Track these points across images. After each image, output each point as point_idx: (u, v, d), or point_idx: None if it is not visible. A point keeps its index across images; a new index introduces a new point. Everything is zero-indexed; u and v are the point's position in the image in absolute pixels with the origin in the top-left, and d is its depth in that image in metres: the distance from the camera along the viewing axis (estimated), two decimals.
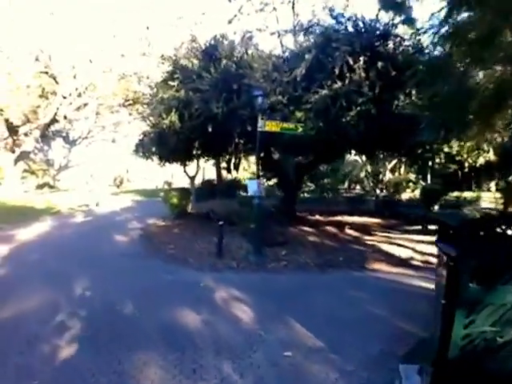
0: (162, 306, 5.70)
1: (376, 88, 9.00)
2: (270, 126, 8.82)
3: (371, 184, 22.80)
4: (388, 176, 22.80)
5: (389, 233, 11.89)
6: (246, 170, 32.24)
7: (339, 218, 14.81)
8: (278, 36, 16.58)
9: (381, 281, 7.46)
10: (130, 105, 23.15)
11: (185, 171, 50.18)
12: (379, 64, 9.00)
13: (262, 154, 10.08)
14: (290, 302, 5.99)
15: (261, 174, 9.07)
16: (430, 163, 22.12)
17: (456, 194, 18.55)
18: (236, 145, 10.71)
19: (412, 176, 25.10)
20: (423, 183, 20.10)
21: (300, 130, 9.03)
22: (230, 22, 16.46)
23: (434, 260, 9.19)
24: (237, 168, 26.85)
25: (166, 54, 11.50)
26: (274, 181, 18.87)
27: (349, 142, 9.86)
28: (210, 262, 8.43)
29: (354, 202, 17.73)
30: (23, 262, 8.42)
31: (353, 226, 12.82)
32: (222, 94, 9.80)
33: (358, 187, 28.92)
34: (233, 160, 19.84)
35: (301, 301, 6.11)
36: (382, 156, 18.83)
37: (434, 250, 9.65)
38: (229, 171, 24.41)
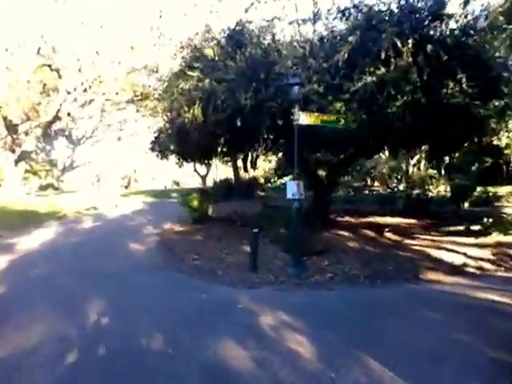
0: (199, 338, 4.74)
1: (424, 74, 7.96)
2: (309, 118, 7.83)
3: (395, 181, 21.68)
4: (411, 172, 21.71)
5: (430, 235, 10.85)
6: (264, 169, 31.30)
7: (371, 219, 13.77)
8: (298, 25, 15.52)
9: (444, 295, 6.55)
10: (139, 100, 22.05)
11: (195, 170, 49.48)
12: (428, 47, 7.94)
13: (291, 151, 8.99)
14: (353, 329, 5.05)
15: (295, 173, 7.99)
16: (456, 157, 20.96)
17: (491, 189, 17.38)
18: (264, 140, 9.68)
19: (432, 172, 23.98)
20: (453, 179, 18.93)
21: (342, 122, 8.02)
22: (246, 10, 15.39)
23: (490, 266, 8.30)
24: (254, 166, 25.92)
25: (185, 42, 10.46)
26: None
27: (394, 136, 8.80)
28: (243, 276, 7.46)
29: (382, 201, 16.61)
30: (24, 278, 7.48)
31: (390, 228, 11.77)
32: (250, 84, 8.78)
33: (375, 184, 27.78)
34: (249, 158, 18.92)
35: (365, 327, 5.15)
36: (405, 151, 17.66)
37: (486, 254, 8.80)
38: (246, 170, 23.48)
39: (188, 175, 54.09)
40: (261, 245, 9.27)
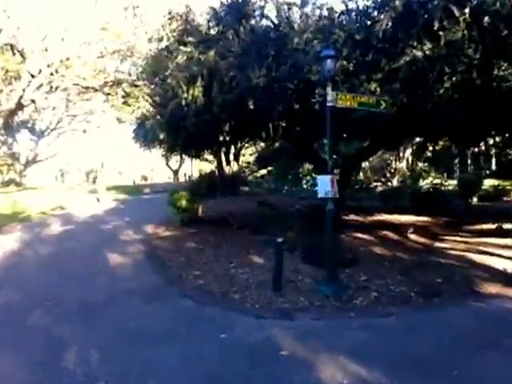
0: None
1: (478, 52, 6.55)
2: (344, 99, 6.30)
3: (388, 175, 20.54)
4: (404, 165, 20.65)
5: (459, 236, 9.58)
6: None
7: (379, 217, 12.46)
8: None
9: None
10: (111, 86, 19.77)
11: (167, 164, 47.15)
12: (485, 20, 6.49)
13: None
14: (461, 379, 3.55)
15: (329, 166, 6.41)
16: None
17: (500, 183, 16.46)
18: (274, 128, 8.04)
19: (421, 165, 23.04)
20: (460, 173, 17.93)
21: (383, 106, 6.51)
22: None
23: None
24: (237, 159, 24.21)
25: (174, 11, 8.66)
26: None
27: (440, 123, 7.37)
28: (267, 299, 5.86)
29: (386, 197, 15.29)
30: None
31: (412, 229, 10.42)
32: (260, 60, 7.16)
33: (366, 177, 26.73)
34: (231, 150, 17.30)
35: (472, 372, 3.67)
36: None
37: None
38: (228, 163, 21.76)
39: (157, 170, 51.81)
40: (269, 253, 7.83)
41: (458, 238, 9.29)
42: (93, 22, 18.16)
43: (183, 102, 7.14)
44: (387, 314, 5.32)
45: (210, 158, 39.32)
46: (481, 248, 8.35)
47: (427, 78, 6.33)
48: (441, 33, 6.43)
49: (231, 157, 21.45)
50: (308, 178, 24.19)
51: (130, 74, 16.44)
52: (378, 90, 6.86)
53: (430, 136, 9.87)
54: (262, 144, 20.55)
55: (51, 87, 19.84)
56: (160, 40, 10.39)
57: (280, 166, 25.01)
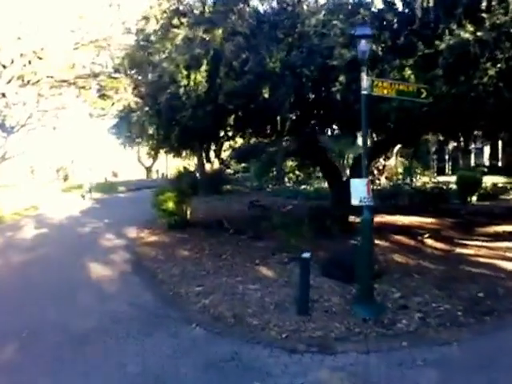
0: None
1: None
2: (381, 87, 5.25)
3: (376, 172, 19.69)
4: (391, 163, 19.88)
5: (475, 240, 8.68)
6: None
7: (380, 218, 11.39)
8: None
9: None
10: (87, 78, 17.94)
11: (139, 160, 45.11)
12: None
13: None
14: None
15: (363, 166, 5.31)
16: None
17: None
18: (283, 121, 6.86)
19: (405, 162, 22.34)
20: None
21: (424, 95, 5.46)
22: None
23: None
24: (219, 155, 22.84)
25: None
26: None
27: (483, 115, 6.38)
28: (294, 326, 4.70)
29: (384, 196, 14.31)
30: None
31: (427, 233, 9.49)
32: (271, 43, 6.00)
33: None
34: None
35: None
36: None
37: None
38: (208, 160, 20.42)
39: (128, 166, 49.52)
40: (282, 265, 6.73)
41: (476, 243, 8.38)
42: (70, 9, 16.43)
43: (181, 91, 5.86)
44: (445, 342, 4.26)
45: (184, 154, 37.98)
46: (507, 254, 7.47)
47: (473, 64, 5.30)
48: (484, 15, 5.43)
49: (211, 153, 20.06)
50: (291, 175, 23.17)
51: (106, 66, 14.77)
52: (412, 77, 5.76)
53: (455, 130, 8.86)
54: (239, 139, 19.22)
55: (23, 80, 17.90)
56: (147, 23, 9.00)
57: (261, 163, 23.84)
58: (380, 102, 5.92)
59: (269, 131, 7.26)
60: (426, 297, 5.50)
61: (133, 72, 9.60)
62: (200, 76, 5.66)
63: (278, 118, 6.92)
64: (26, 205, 16.64)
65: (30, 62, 16.37)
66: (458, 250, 7.95)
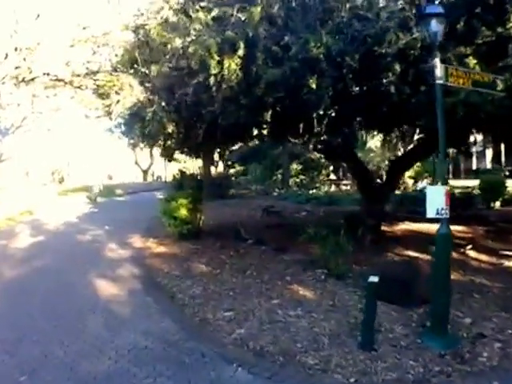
0: None
1: None
2: (456, 76, 4.32)
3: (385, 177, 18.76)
4: None
5: None
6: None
7: (404, 225, 10.54)
8: None
9: None
10: (84, 77, 16.75)
11: (136, 163, 43.85)
12: None
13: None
14: None
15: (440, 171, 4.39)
16: None
17: None
18: (319, 119, 5.85)
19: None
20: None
21: (501, 87, 4.53)
22: None
23: None
24: (223, 158, 21.80)
25: None
26: None
27: None
28: (361, 365, 3.73)
29: (405, 202, 13.35)
30: None
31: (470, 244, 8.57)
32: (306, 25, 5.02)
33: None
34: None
35: None
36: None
37: None
38: (213, 163, 19.36)
39: (123, 168, 48.18)
40: (320, 283, 5.73)
41: None
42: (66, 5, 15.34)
43: (211, 80, 4.83)
44: None
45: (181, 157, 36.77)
46: None
47: None
48: None
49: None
50: (296, 179, 22.19)
51: (105, 64, 13.70)
52: (477, 68, 4.80)
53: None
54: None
55: (17, 78, 16.69)
56: (158, 12, 7.98)
57: (264, 166, 22.85)
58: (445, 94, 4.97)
59: (301, 130, 6.26)
60: (495, 321, 4.61)
61: (138, 67, 8.60)
62: (234, 63, 4.64)
63: (315, 114, 5.94)
64: (20, 209, 15.43)
65: (24, 59, 15.19)
66: (506, 262, 7.03)
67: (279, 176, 22.80)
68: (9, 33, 14.49)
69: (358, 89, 5.61)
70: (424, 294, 5.42)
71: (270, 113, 5.45)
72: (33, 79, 17.24)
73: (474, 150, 27.71)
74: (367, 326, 4.01)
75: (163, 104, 6.17)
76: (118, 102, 9.82)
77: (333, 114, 6.00)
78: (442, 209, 4.05)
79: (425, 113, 5.50)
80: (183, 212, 8.69)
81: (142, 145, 9.24)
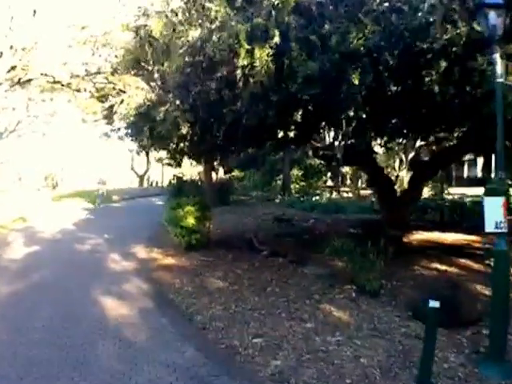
0: None
1: None
2: None
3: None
4: (402, 174, 18.48)
5: None
6: None
7: (419, 235, 9.98)
8: None
9: None
10: (82, 79, 16.00)
11: (132, 168, 42.94)
12: None
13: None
14: None
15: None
16: None
17: None
18: (348, 120, 5.26)
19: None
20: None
21: None
22: None
23: None
24: (223, 163, 21.07)
25: None
26: None
27: None
28: None
29: (418, 211, 12.76)
30: None
31: (470, 250, 8.09)
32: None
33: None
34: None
35: None
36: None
37: None
38: (213, 168, 18.69)
39: (118, 174, 47.08)
40: (352, 302, 5.12)
41: None
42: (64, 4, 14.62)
43: (238, 73, 4.20)
44: None
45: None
46: None
47: None
48: None
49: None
50: (296, 185, 21.58)
51: (105, 66, 13.08)
52: None
53: None
54: None
55: (12, 79, 15.91)
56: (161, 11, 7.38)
57: (264, 172, 22.20)
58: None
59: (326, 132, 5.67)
60: None
61: (145, 66, 7.97)
62: (265, 53, 4.01)
63: (344, 115, 5.35)
64: (12, 215, 14.56)
65: (20, 60, 14.43)
66: None
67: (279, 182, 22.20)
68: (3, 31, 13.73)
69: (395, 88, 5.02)
70: (469, 315, 4.86)
71: (300, 112, 4.82)
72: (29, 81, 16.48)
73: (466, 158, 27.42)
74: (427, 359, 3.39)
75: (177, 102, 5.52)
76: (121, 102, 9.13)
77: (363, 115, 5.40)
78: (501, 222, 3.48)
79: (470, 114, 4.95)
80: (190, 220, 8.02)
81: (150, 148, 8.53)
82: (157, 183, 42.39)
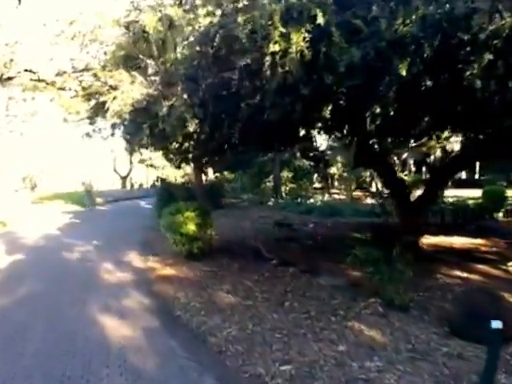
0: None
1: None
2: None
3: (379, 185, 17.92)
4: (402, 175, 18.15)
5: None
6: None
7: (426, 239, 9.52)
8: None
9: None
10: (69, 76, 15.11)
11: (115, 170, 41.72)
12: None
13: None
14: None
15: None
16: None
17: None
18: (373, 117, 4.74)
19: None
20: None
21: None
22: None
23: None
24: (213, 165, 20.39)
25: None
26: None
27: None
28: None
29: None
30: None
31: (481, 255, 7.73)
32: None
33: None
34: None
35: None
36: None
37: None
38: (202, 170, 18.01)
39: (100, 175, 45.64)
40: (381, 318, 4.60)
41: None
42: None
43: (267, 61, 3.61)
44: None
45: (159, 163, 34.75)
46: None
47: None
48: None
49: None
50: (286, 188, 21.06)
51: (98, 59, 12.23)
52: None
53: None
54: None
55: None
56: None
57: (253, 174, 21.61)
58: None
59: (346, 131, 5.12)
60: None
61: (144, 59, 7.31)
62: (301, 39, 3.44)
63: (369, 112, 4.82)
64: None
65: (3, 55, 13.44)
66: None
67: (268, 184, 21.65)
68: None
69: (430, 82, 4.52)
70: (510, 329, 4.41)
71: (330, 107, 4.26)
72: (11, 78, 15.47)
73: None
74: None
75: (185, 96, 4.89)
76: (114, 98, 8.44)
77: (391, 112, 4.89)
78: None
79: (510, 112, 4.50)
80: (191, 227, 7.37)
81: (149, 147, 7.82)
82: (141, 185, 41.25)
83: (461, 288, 5.66)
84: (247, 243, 8.47)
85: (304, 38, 3.46)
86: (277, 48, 3.49)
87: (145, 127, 5.76)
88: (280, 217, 12.23)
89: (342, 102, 4.52)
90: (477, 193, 15.18)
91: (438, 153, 19.85)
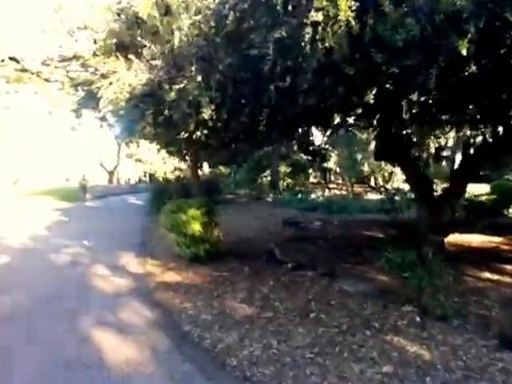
0: None
1: None
2: None
3: (380, 179, 17.43)
4: (397, 170, 17.71)
5: None
6: None
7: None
8: None
9: None
10: (56, 67, 14.30)
11: (101, 164, 40.68)
12: None
13: None
14: None
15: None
16: None
17: None
18: (410, 105, 4.19)
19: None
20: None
21: None
22: None
23: None
24: (209, 159, 19.65)
25: None
26: None
27: None
28: None
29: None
30: None
31: (505, 254, 7.29)
32: None
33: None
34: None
35: None
36: None
37: None
38: (197, 165, 17.26)
39: (84, 170, 44.46)
40: (420, 330, 4.07)
41: None
42: None
43: (307, 34, 3.00)
44: None
45: (148, 157, 33.82)
46: None
47: None
48: None
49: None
50: (283, 182, 20.47)
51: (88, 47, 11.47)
52: None
53: None
54: None
55: None
56: None
57: (248, 168, 20.95)
58: None
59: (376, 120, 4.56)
60: None
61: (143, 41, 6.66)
62: (348, 7, 2.84)
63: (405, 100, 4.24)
64: None
65: None
66: None
67: (264, 179, 21.04)
68: None
69: (475, 68, 3.95)
70: None
71: (374, 91, 3.67)
72: None
73: (444, 154, 27.15)
74: None
75: (199, 79, 4.26)
76: (110, 84, 7.74)
77: (430, 100, 4.32)
78: None
79: None
80: (196, 227, 6.75)
81: (152, 138, 7.16)
82: (128, 180, 40.32)
83: (493, 292, 5.19)
84: (256, 244, 7.87)
85: (350, 7, 2.86)
86: (320, 17, 2.88)
87: (147, 115, 5.12)
88: (288, 215, 11.64)
89: (388, 85, 3.92)
90: (482, 187, 14.80)
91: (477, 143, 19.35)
